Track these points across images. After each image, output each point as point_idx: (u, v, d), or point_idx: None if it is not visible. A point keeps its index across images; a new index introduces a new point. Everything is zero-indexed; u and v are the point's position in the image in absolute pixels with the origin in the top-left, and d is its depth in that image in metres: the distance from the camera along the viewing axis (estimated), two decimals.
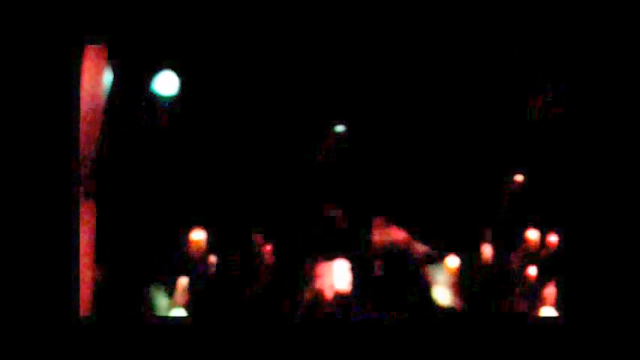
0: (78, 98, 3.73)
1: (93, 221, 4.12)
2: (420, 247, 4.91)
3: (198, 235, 4.99)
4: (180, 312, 4.85)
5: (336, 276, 4.82)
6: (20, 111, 3.62)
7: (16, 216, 3.62)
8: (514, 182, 5.38)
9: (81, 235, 4.03)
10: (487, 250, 5.09)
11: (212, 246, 5.01)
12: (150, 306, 4.81)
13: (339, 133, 5.11)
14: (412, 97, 4.98)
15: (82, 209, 3.98)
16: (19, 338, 3.54)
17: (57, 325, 3.60)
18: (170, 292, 4.89)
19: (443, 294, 4.84)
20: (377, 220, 4.92)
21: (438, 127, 5.03)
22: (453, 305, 4.83)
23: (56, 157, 3.67)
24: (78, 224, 3.77)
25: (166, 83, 4.91)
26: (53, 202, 3.67)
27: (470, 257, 5.02)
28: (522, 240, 5.09)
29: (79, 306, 3.77)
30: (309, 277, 4.89)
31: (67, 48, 3.69)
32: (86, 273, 4.07)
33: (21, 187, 3.66)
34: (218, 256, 5.01)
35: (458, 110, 5.06)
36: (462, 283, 4.93)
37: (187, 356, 3.89)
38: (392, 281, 4.82)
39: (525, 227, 5.09)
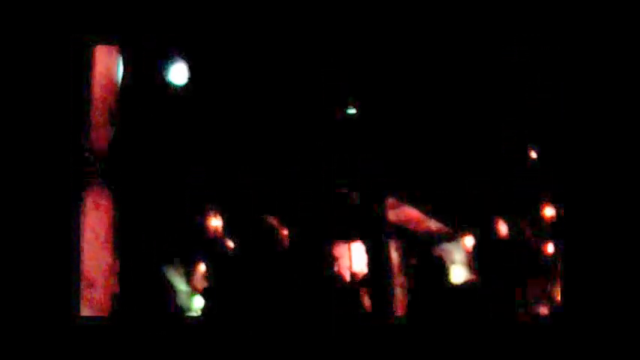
0: (88, 88, 3.77)
1: (110, 209, 4.15)
2: (435, 225, 4.92)
3: (215, 221, 5.02)
4: (200, 299, 4.88)
5: (353, 257, 4.84)
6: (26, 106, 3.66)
7: (16, 217, 3.64)
8: (529, 158, 5.37)
9: (98, 223, 4.06)
10: (502, 227, 5.09)
11: (229, 231, 5.04)
12: (170, 293, 4.85)
13: (351, 115, 5.11)
14: (424, 75, 4.97)
15: (98, 197, 4.01)
16: (19, 338, 3.55)
17: (57, 325, 3.61)
18: (189, 278, 4.92)
19: (459, 272, 4.85)
20: (391, 200, 4.93)
21: (451, 104, 5.02)
22: (468, 283, 4.84)
23: (55, 162, 3.70)
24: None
25: (178, 72, 4.93)
26: (53, 204, 3.69)
27: (485, 234, 5.02)
28: (538, 216, 5.08)
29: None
30: (326, 260, 4.90)
31: (78, 43, 3.73)
32: (105, 262, 4.11)
33: (21, 186, 3.68)
34: (235, 241, 5.04)
35: (471, 85, 5.05)
36: (477, 260, 4.93)
37: (187, 356, 3.90)
38: (407, 260, 4.83)
39: (541, 203, 5.08)
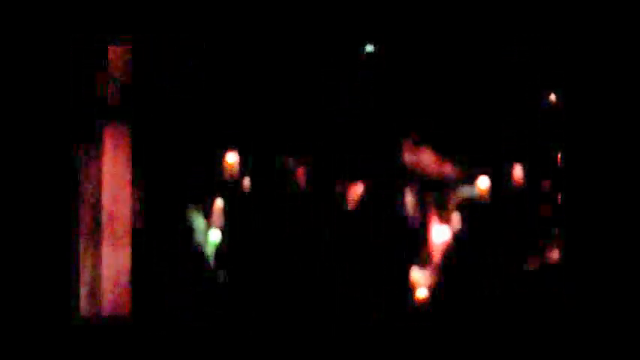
0: None
1: (127, 145, 4.21)
2: (451, 168, 4.93)
3: (232, 157, 5.07)
4: (216, 233, 4.97)
5: (366, 198, 4.88)
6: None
7: (16, 217, 3.69)
8: (548, 101, 5.35)
9: (117, 161, 4.13)
10: (518, 171, 5.10)
11: (245, 169, 5.10)
12: (188, 228, 4.93)
13: (367, 53, 5.09)
14: (441, 12, 4.93)
15: (116, 136, 4.07)
16: (19, 338, 3.61)
17: (57, 325, 3.68)
18: (206, 213, 4.99)
19: (474, 215, 4.89)
20: (407, 142, 4.95)
21: (468, 43, 4.99)
22: (482, 228, 4.88)
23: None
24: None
25: None
26: (52, 205, 3.73)
27: (501, 178, 5.04)
28: (555, 163, 5.08)
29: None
30: (340, 200, 4.96)
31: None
32: (125, 199, 4.19)
33: (20, 186, 3.72)
34: (251, 178, 5.10)
35: (489, 24, 5.01)
36: (492, 204, 4.96)
37: (187, 356, 3.98)
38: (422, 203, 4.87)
39: (558, 149, 5.08)
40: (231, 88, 4.99)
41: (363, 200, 4.91)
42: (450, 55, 4.96)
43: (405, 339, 4.31)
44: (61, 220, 3.80)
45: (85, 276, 4.04)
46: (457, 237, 4.75)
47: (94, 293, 3.98)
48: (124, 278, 4.14)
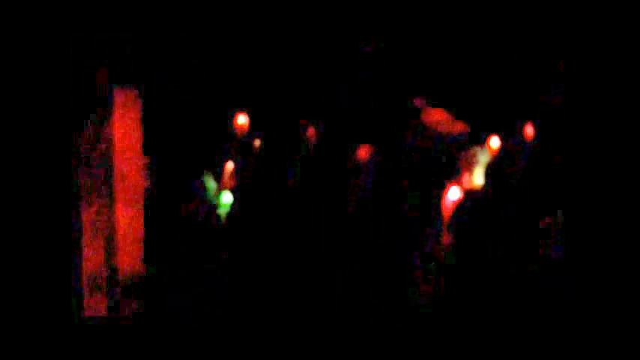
0: None
1: (139, 108, 4.22)
2: (461, 126, 4.93)
3: (242, 119, 5.08)
4: (228, 195, 4.98)
5: (378, 161, 4.89)
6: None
7: (16, 217, 3.70)
8: (559, 64, 5.32)
9: (128, 122, 4.15)
10: (529, 131, 5.10)
11: (256, 130, 5.11)
12: (200, 190, 4.95)
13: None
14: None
15: (126, 97, 4.08)
16: (19, 338, 3.63)
17: (57, 325, 3.69)
18: (218, 175, 5.01)
19: (483, 175, 4.89)
20: (417, 101, 4.94)
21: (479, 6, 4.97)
22: (491, 187, 4.88)
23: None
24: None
25: None
26: (53, 203, 3.74)
27: (511, 138, 5.04)
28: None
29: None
30: (352, 161, 4.96)
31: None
32: (137, 158, 4.21)
33: (20, 187, 3.72)
34: (263, 140, 5.11)
35: None
36: (503, 163, 4.96)
37: (187, 355, 4.00)
38: (434, 162, 4.87)
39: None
40: (241, 49, 4.99)
41: (372, 162, 4.91)
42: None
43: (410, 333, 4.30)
44: (61, 220, 3.83)
45: (100, 237, 4.07)
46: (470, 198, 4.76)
47: (110, 252, 4.01)
48: (138, 236, 4.17)
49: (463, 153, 4.86)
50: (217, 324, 4.24)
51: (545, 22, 4.82)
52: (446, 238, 4.58)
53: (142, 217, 4.20)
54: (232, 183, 5.04)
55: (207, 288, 4.47)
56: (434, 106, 4.93)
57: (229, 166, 5.03)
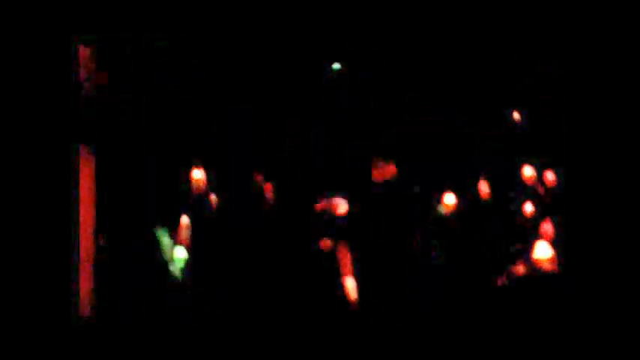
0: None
1: (92, 166, 4.18)
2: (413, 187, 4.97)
3: (198, 174, 5.04)
4: (182, 250, 4.92)
5: (338, 209, 4.87)
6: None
7: (15, 217, 3.66)
8: (512, 118, 5.39)
9: (82, 180, 4.09)
10: (484, 187, 5.13)
11: (213, 184, 5.07)
12: (155, 245, 4.89)
13: (336, 71, 5.11)
14: (409, 33, 4.95)
15: (80, 155, 4.03)
16: (19, 338, 3.57)
17: (57, 325, 3.65)
18: (173, 230, 4.96)
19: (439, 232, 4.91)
20: (376, 159, 4.96)
21: (436, 63, 5.03)
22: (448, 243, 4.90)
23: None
24: (78, 225, 3.82)
25: None
26: (52, 203, 3.70)
27: (467, 194, 5.07)
28: (519, 177, 5.12)
29: (79, 306, 3.82)
30: (310, 212, 4.94)
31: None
32: (90, 219, 4.15)
33: (19, 185, 3.69)
34: (219, 195, 5.07)
35: (456, 43, 5.04)
36: (458, 220, 4.99)
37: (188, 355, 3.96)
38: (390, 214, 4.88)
39: (522, 164, 5.12)
40: (197, 100, 4.97)
41: (330, 216, 4.90)
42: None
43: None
44: (60, 220, 3.77)
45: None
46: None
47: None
48: (88, 297, 4.10)
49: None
50: None
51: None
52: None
53: (93, 272, 4.13)
54: (187, 238, 4.98)
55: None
56: (391, 163, 4.94)
57: (184, 221, 4.98)
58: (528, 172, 5.16)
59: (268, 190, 5.10)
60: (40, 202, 3.72)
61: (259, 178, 5.12)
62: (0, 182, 3.70)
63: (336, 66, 5.10)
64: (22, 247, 3.74)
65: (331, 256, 4.74)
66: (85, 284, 4.09)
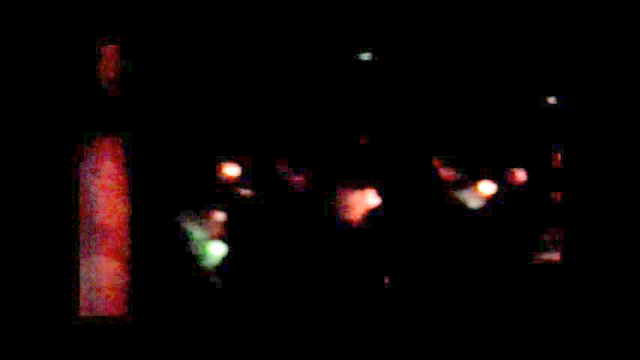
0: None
1: (124, 158, 4.19)
2: (448, 173, 4.91)
3: (230, 169, 5.05)
4: (217, 245, 4.93)
5: (368, 204, 4.85)
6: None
7: (16, 216, 3.68)
8: (546, 104, 5.32)
9: (113, 172, 4.11)
10: (520, 175, 5.07)
11: (244, 179, 5.07)
12: (187, 240, 4.90)
13: (364, 61, 5.08)
14: (437, 23, 4.92)
15: (112, 146, 4.05)
16: (19, 338, 3.59)
17: (57, 325, 3.66)
18: (206, 225, 4.96)
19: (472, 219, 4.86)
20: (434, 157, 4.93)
21: (466, 48, 4.97)
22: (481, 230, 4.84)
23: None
24: (78, 224, 3.82)
25: None
26: (53, 202, 3.72)
27: (501, 182, 5.01)
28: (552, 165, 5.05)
29: (79, 306, 3.84)
30: (340, 206, 4.92)
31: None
32: (120, 211, 4.16)
33: (20, 184, 3.71)
34: (251, 189, 5.07)
35: (487, 30, 4.99)
36: (493, 208, 4.93)
37: (189, 355, 3.96)
38: (420, 209, 4.84)
39: (556, 151, 5.05)
40: (229, 95, 4.97)
41: (362, 207, 4.87)
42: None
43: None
44: (60, 220, 3.79)
45: (83, 286, 4.00)
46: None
47: (92, 303, 3.94)
48: (120, 289, 4.10)
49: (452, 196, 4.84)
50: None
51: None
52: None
53: (126, 269, 4.14)
54: (220, 233, 4.98)
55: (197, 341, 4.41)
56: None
57: (217, 215, 4.99)
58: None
59: (300, 182, 5.09)
60: (54, 197, 3.74)
61: (290, 169, 5.12)
62: (22, 176, 3.74)
63: (365, 56, 5.07)
64: (24, 245, 3.76)
65: (368, 249, 4.72)
66: (117, 280, 4.10)
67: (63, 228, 3.81)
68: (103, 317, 3.88)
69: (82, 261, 4.06)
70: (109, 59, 3.90)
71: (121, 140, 4.08)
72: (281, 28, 4.90)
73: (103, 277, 4.05)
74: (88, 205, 4.02)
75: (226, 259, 4.90)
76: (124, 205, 4.17)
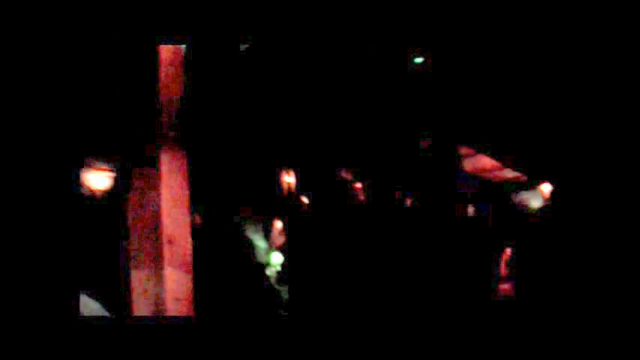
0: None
1: (186, 168, 4.21)
2: (511, 174, 4.85)
3: (289, 177, 5.05)
4: (278, 255, 4.93)
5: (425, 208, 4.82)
6: None
7: (16, 216, 3.70)
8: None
9: (174, 182, 4.13)
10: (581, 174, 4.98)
11: (303, 186, 5.07)
12: (249, 249, 4.91)
13: (419, 64, 5.05)
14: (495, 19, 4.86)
15: (171, 157, 4.07)
16: (19, 338, 3.61)
17: (57, 325, 3.67)
18: (267, 234, 4.97)
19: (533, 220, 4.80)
20: (466, 150, 4.88)
21: (526, 47, 4.92)
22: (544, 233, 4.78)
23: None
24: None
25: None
26: (53, 202, 3.73)
27: (563, 182, 4.93)
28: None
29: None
30: (398, 212, 4.90)
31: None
32: (184, 220, 4.18)
33: (19, 185, 3.74)
34: (310, 197, 5.07)
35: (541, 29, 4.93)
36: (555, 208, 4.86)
37: (190, 356, 3.95)
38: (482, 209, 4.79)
39: None
40: (286, 106, 4.99)
41: (421, 210, 4.84)
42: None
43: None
44: (60, 219, 3.81)
45: (149, 300, 4.03)
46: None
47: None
48: (186, 302, 4.12)
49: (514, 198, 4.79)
50: None
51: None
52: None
53: (191, 279, 4.15)
54: (280, 241, 4.99)
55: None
56: (483, 153, 4.86)
57: (278, 225, 5.00)
58: None
59: (358, 189, 5.08)
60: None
61: (349, 177, 5.11)
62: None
63: (419, 60, 5.05)
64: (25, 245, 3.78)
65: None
66: (182, 287, 4.12)
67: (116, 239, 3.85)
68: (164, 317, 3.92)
69: (147, 270, 4.08)
70: (172, 70, 3.93)
71: (184, 151, 4.10)
72: (341, 39, 4.91)
73: (168, 285, 4.07)
74: (155, 218, 4.05)
75: (287, 268, 4.91)
76: (188, 216, 4.19)
